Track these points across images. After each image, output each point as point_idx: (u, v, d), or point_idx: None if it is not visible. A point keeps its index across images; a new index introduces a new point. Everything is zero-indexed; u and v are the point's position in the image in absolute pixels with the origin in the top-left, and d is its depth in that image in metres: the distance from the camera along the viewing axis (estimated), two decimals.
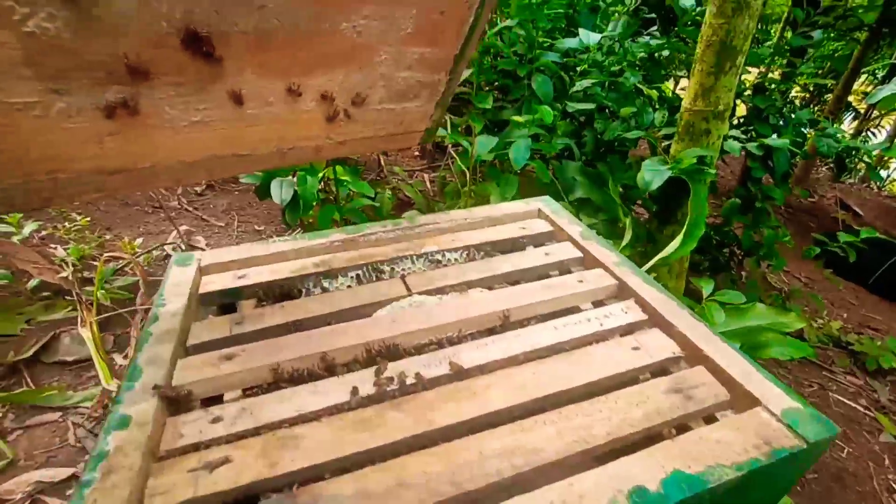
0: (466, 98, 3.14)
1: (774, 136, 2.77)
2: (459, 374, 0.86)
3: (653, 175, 2.00)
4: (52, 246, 2.65)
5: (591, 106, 2.59)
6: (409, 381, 0.84)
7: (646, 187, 2.01)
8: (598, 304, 1.10)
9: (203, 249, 2.94)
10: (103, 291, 2.28)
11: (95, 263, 2.47)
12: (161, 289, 1.03)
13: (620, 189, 2.47)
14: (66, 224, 2.76)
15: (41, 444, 1.61)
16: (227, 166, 0.92)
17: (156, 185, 0.85)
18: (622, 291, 1.10)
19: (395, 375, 0.84)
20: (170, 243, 2.88)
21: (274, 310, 1.01)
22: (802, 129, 3.08)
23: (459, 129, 2.77)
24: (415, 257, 1.20)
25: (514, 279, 1.17)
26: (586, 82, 2.60)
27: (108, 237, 2.88)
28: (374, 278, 1.16)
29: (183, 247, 2.82)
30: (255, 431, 0.75)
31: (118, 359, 2.04)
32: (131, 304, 2.30)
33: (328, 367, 0.88)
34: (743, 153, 2.73)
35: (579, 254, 1.23)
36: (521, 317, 1.03)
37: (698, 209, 1.97)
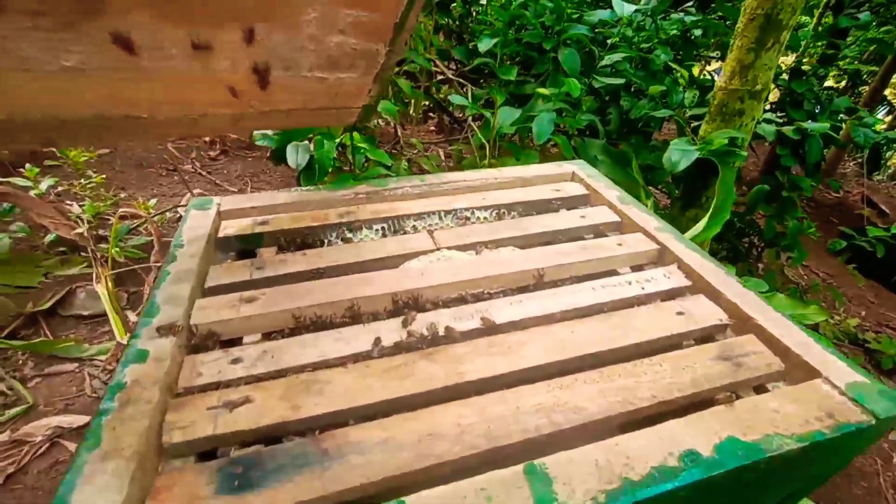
0: (487, 70, 3.03)
1: (809, 122, 2.65)
2: (492, 328, 0.81)
3: (680, 155, 1.92)
4: (68, 202, 2.64)
5: (619, 81, 2.48)
6: (439, 332, 0.78)
7: (672, 168, 1.93)
8: (637, 268, 1.03)
9: None
10: (118, 249, 2.28)
11: (110, 221, 2.46)
12: (179, 231, 0.99)
13: (642, 170, 2.38)
14: (82, 181, 2.74)
15: (59, 392, 1.64)
16: (119, 129, 0.79)
17: (16, 142, 0.74)
18: (663, 257, 1.04)
19: (425, 327, 0.79)
20: (183, 205, 2.87)
21: (296, 257, 0.96)
22: (838, 118, 2.95)
23: (480, 101, 2.69)
24: (443, 213, 1.14)
25: (546, 240, 1.11)
26: (616, 56, 2.49)
27: (122, 196, 2.87)
28: (401, 232, 1.11)
29: None
30: (277, 374, 0.71)
31: (132, 316, 2.05)
32: (145, 262, 2.30)
33: (353, 316, 0.84)
34: (771, 141, 2.62)
35: (616, 218, 1.16)
36: (556, 277, 0.97)
37: (725, 193, 1.89)
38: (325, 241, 1.07)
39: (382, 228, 1.10)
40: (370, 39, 0.87)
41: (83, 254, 2.24)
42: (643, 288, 0.92)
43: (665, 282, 0.94)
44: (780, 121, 2.75)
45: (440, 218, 1.14)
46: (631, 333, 0.81)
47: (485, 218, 1.17)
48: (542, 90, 2.23)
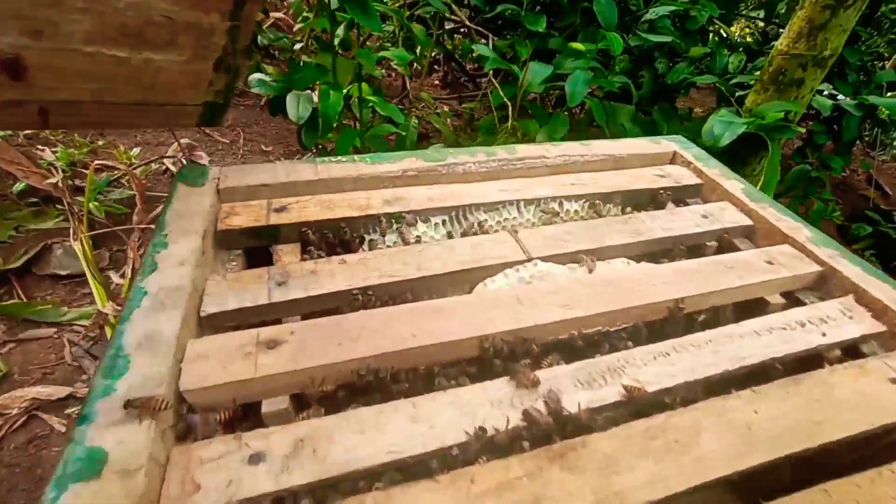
0: (511, 17, 2.65)
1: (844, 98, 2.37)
2: (639, 403, 0.54)
3: (724, 128, 1.64)
4: (39, 147, 2.29)
5: (665, 39, 2.15)
6: (567, 409, 0.51)
7: (713, 143, 1.65)
8: (788, 295, 0.76)
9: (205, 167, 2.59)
10: (96, 204, 1.99)
11: (87, 171, 2.14)
12: (162, 218, 0.68)
13: None
14: None
15: (36, 359, 1.48)
16: None
17: None
18: (827, 282, 0.76)
19: (542, 399, 0.52)
20: (169, 156, 2.52)
21: (332, 266, 0.67)
22: (879, 93, 2.68)
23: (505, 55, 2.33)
24: (522, 204, 0.85)
25: (664, 248, 0.82)
26: (663, 9, 2.14)
27: (100, 143, 2.51)
28: (471, 229, 0.81)
29: (184, 161, 2.49)
30: (324, 485, 0.43)
31: (114, 277, 1.78)
32: (128, 219, 2.00)
33: (427, 372, 0.56)
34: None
35: (747, 220, 0.87)
36: (698, 307, 0.70)
37: (773, 173, 1.65)
38: (369, 238, 0.77)
39: (444, 222, 0.81)
40: (195, 7, 0.54)
41: (59, 206, 1.95)
42: (824, 334, 0.66)
43: (848, 325, 0.68)
44: (837, 93, 2.48)
45: (519, 210, 0.84)
46: (840, 418, 0.55)
47: (576, 211, 0.88)
48: (576, 45, 1.91)
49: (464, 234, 0.79)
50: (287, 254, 0.73)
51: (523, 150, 0.95)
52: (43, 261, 1.76)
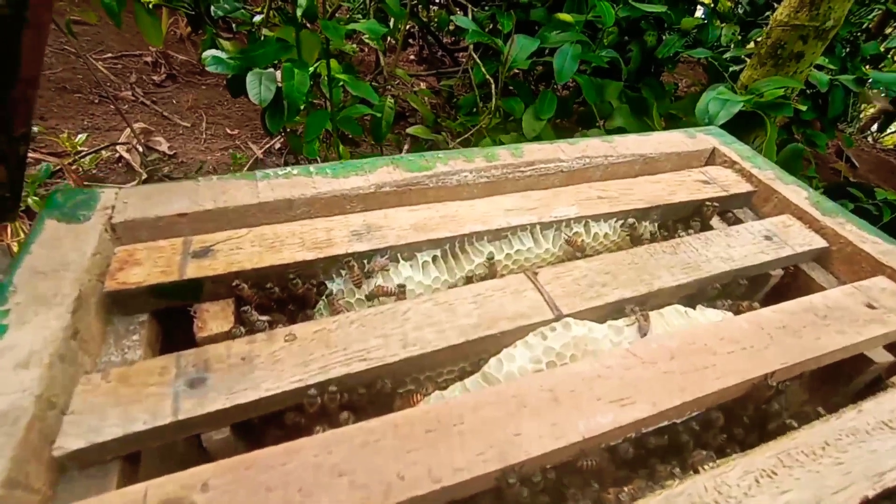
0: None
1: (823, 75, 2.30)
2: None
3: (719, 106, 1.53)
4: None
5: (660, 9, 2.00)
6: None
7: (708, 121, 1.54)
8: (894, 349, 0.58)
9: (165, 153, 2.31)
10: (36, 198, 1.73)
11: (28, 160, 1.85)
12: (9, 275, 0.45)
13: (663, 121, 2.02)
14: None
15: None
16: None
17: None
18: None
19: None
20: (122, 143, 2.24)
21: (273, 346, 0.45)
22: (862, 66, 2.60)
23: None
24: (539, 228, 0.63)
25: (723, 283, 0.63)
26: None
27: (41, 128, 2.20)
28: (470, 268, 0.59)
29: (140, 148, 2.20)
30: None
31: None
32: None
33: None
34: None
35: (821, 242, 0.68)
36: (787, 377, 0.51)
37: (770, 154, 1.56)
38: (331, 287, 0.55)
39: (435, 259, 0.59)
40: None
41: None
42: None
43: None
44: (835, 69, 2.39)
45: (535, 238, 0.63)
46: None
47: (606, 235, 0.67)
48: (563, 16, 1.73)
49: (467, 280, 0.58)
50: (214, 317, 0.50)
51: (532, 150, 0.74)
52: None
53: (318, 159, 1.93)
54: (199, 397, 0.40)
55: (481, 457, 0.38)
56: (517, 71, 2.13)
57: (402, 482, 0.35)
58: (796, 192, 0.75)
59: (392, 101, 2.32)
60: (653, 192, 0.72)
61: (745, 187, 0.77)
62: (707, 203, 0.73)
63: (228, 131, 2.74)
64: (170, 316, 0.52)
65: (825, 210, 0.72)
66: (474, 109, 2.21)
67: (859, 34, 2.89)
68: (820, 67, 2.17)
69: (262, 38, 1.86)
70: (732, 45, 2.18)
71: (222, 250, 0.53)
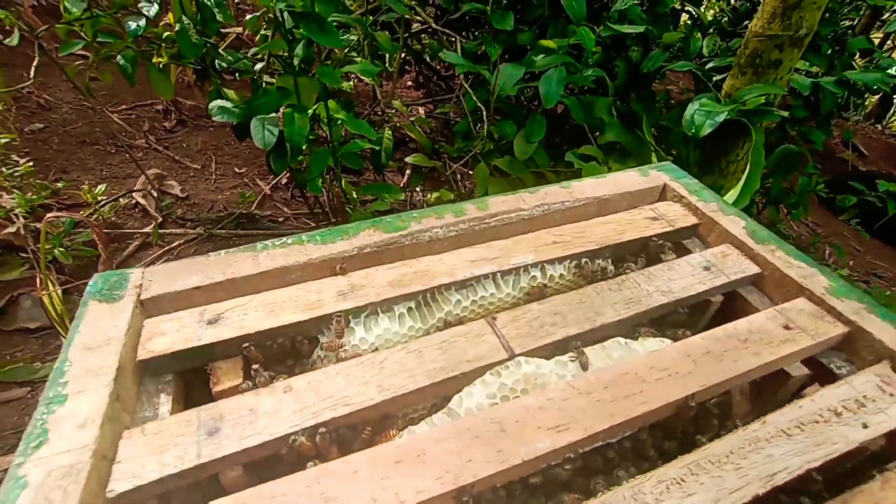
0: (477, 16, 2.54)
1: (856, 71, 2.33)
2: None
3: (704, 117, 1.58)
4: None
5: (638, 29, 2.09)
6: None
7: (695, 131, 1.60)
8: (816, 364, 0.66)
9: (178, 196, 2.46)
10: (62, 250, 1.88)
11: (51, 214, 2.02)
12: (63, 356, 0.56)
13: (654, 132, 2.08)
14: (3, 169, 2.22)
15: (9, 423, 1.40)
16: None
17: None
18: (853, 343, 0.67)
19: None
20: (138, 190, 2.40)
21: (274, 397, 0.55)
22: (852, 61, 2.64)
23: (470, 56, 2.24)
24: (500, 276, 0.74)
25: (662, 314, 0.72)
26: None
27: (62, 183, 2.38)
28: (441, 316, 0.70)
29: (154, 193, 2.36)
30: None
31: None
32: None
33: None
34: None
35: (754, 268, 0.77)
36: (709, 396, 0.60)
37: (757, 160, 1.59)
38: (322, 341, 0.66)
39: (410, 311, 0.70)
40: None
41: (23, 254, 1.86)
42: (865, 425, 0.56)
43: (890, 405, 0.58)
44: (816, 71, 2.44)
45: (497, 285, 0.73)
46: None
47: (561, 276, 0.77)
48: (547, 42, 1.83)
49: (431, 324, 0.68)
50: (227, 373, 0.61)
51: (496, 203, 0.84)
52: (10, 314, 1.67)
53: (323, 192, 2.05)
54: (216, 441, 0.51)
55: (439, 480, 0.47)
56: (508, 95, 2.24)
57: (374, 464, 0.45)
58: (735, 222, 0.84)
59: (390, 132, 2.46)
60: (603, 234, 0.82)
61: (690, 220, 0.87)
62: (654, 239, 0.83)
63: (237, 170, 2.89)
64: (192, 373, 0.63)
65: (759, 238, 0.81)
66: (469, 135, 2.30)
67: (844, 33, 2.94)
68: (805, 69, 2.24)
69: (264, 84, 2.00)
70: (714, 56, 2.24)
71: (231, 317, 0.64)
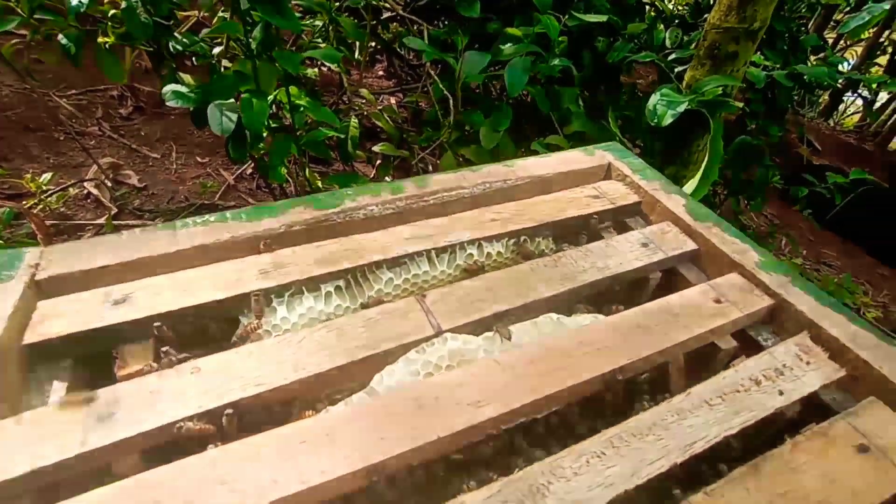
0: (445, 4, 2.52)
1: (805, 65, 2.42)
2: None
3: (666, 107, 1.61)
4: None
5: (601, 18, 2.10)
6: None
7: (657, 122, 1.64)
8: (741, 336, 0.67)
9: (135, 186, 2.34)
10: (0, 241, 1.75)
11: None
12: None
13: (620, 122, 2.11)
14: None
15: None
16: None
17: None
18: (778, 316, 0.67)
19: None
20: (90, 179, 2.26)
21: (181, 379, 0.52)
22: (806, 58, 2.75)
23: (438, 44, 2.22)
24: (435, 253, 0.71)
25: (599, 290, 0.71)
26: None
27: (1, 172, 2.22)
28: (371, 296, 0.67)
29: (109, 183, 2.24)
30: None
31: None
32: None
33: None
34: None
35: (692, 244, 0.77)
36: (641, 370, 0.59)
37: (715, 150, 1.64)
38: (242, 325, 0.62)
39: (338, 289, 0.66)
40: None
41: None
42: (781, 392, 0.56)
43: (806, 374, 0.58)
44: (771, 65, 2.52)
45: (431, 262, 0.71)
46: None
47: (499, 254, 0.75)
48: (512, 30, 1.82)
49: (364, 305, 0.65)
50: (136, 357, 0.57)
51: (437, 180, 0.82)
52: None
53: (289, 182, 1.99)
54: (108, 427, 0.47)
55: (346, 459, 0.45)
56: (477, 84, 2.23)
57: (275, 485, 0.42)
58: (675, 200, 0.84)
59: (356, 121, 2.40)
60: (544, 211, 0.80)
61: (632, 199, 0.86)
62: (594, 217, 0.82)
63: (199, 159, 2.77)
64: (102, 360, 0.59)
65: (697, 216, 0.81)
66: (438, 124, 2.28)
67: (799, 30, 3.03)
68: (763, 64, 2.30)
69: (223, 69, 1.92)
70: (677, 48, 2.28)
71: (140, 297, 0.59)
